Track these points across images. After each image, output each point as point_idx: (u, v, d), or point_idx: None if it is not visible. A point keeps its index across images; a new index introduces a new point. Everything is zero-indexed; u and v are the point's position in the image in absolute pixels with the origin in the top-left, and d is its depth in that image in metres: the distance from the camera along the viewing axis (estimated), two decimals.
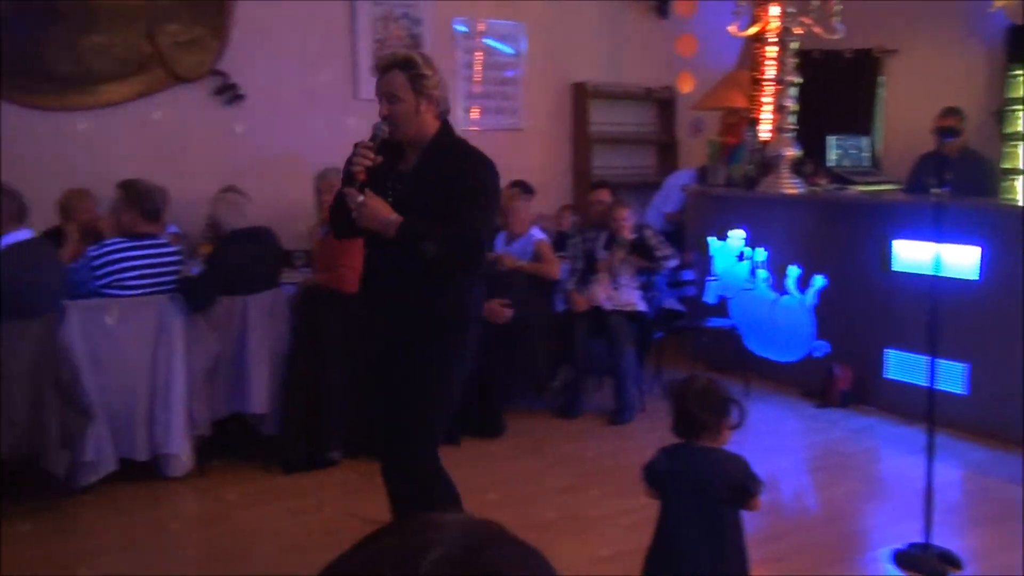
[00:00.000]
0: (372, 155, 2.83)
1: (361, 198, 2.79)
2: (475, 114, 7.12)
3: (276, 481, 4.39)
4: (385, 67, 2.88)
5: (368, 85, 6.69)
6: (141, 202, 4.30)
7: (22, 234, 3.86)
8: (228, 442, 4.67)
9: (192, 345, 4.28)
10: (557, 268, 5.49)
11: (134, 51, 5.77)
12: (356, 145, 2.87)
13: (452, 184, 2.86)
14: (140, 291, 4.20)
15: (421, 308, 2.90)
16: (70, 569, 3.54)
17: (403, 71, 2.85)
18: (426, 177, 2.91)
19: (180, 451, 4.29)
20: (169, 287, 4.27)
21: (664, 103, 7.90)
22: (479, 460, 4.69)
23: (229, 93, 6.09)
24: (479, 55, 7.12)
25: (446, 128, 2.97)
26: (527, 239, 5.55)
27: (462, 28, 7.03)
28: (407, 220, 2.80)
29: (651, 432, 4.72)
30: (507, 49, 7.23)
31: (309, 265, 5.14)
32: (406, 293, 2.91)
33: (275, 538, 3.78)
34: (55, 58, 5.55)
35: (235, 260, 4.40)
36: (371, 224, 2.82)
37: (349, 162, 2.86)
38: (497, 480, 4.42)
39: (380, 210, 2.80)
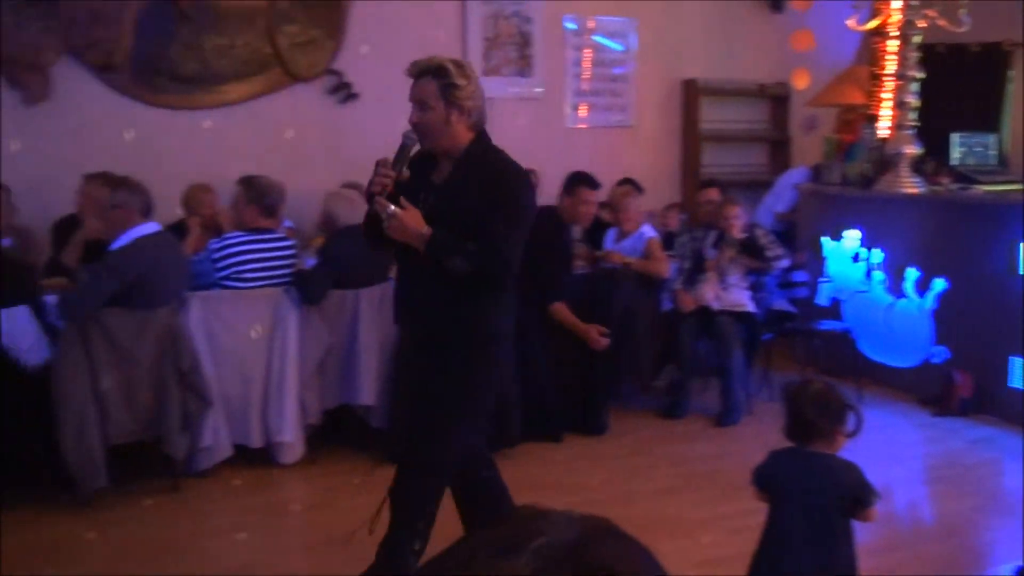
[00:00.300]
0: (393, 173, 2.77)
1: (392, 208, 2.73)
2: (583, 111, 7.11)
3: (383, 471, 4.47)
4: (419, 73, 2.80)
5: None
6: (260, 198, 4.46)
7: (149, 227, 4.05)
8: (338, 432, 4.81)
9: (305, 336, 4.41)
10: (666, 267, 5.43)
11: (255, 52, 5.99)
12: (377, 164, 2.81)
13: (482, 197, 2.77)
14: (257, 283, 4.35)
15: (445, 322, 2.84)
16: (188, 548, 3.70)
17: (435, 79, 2.76)
18: (457, 190, 2.82)
19: (292, 439, 4.43)
20: (284, 280, 4.41)
21: (777, 99, 7.72)
22: (581, 458, 4.69)
23: (343, 92, 6.25)
24: (588, 52, 7.10)
25: (480, 140, 2.87)
26: (638, 236, 5.50)
27: (572, 25, 7.03)
28: (436, 233, 2.73)
29: (758, 435, 4.63)
30: (617, 46, 7.19)
31: None
32: (431, 306, 2.86)
33: (382, 527, 3.86)
34: (181, 59, 5.81)
35: (347, 255, 4.51)
36: (402, 236, 2.76)
37: (371, 182, 2.81)
38: (599, 478, 4.41)
39: (411, 222, 2.73)
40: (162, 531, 3.82)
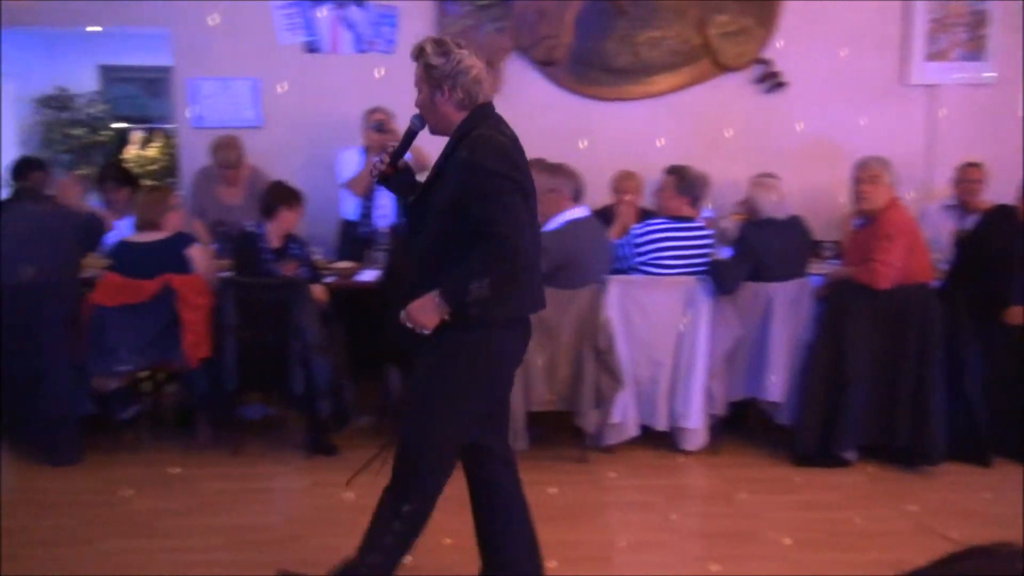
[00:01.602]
0: (388, 161, 2.74)
1: (403, 315, 2.64)
2: None
3: (784, 471, 4.36)
4: (413, 57, 2.71)
5: (921, 70, 6.28)
6: (687, 188, 4.54)
7: (579, 211, 4.30)
8: (741, 425, 4.77)
9: (716, 326, 4.42)
10: None
11: (684, 43, 6.12)
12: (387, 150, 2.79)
13: (454, 184, 2.56)
14: (674, 271, 4.44)
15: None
16: (589, 516, 3.91)
17: (420, 60, 2.67)
18: (435, 177, 2.68)
19: (696, 426, 4.48)
20: (700, 269, 4.46)
21: None
22: (1014, 488, 4.16)
23: (771, 81, 6.14)
24: None
25: (470, 119, 2.65)
26: None
27: None
28: (441, 291, 2.54)
29: None
30: None
31: (839, 257, 4.99)
32: (418, 287, 2.67)
33: (779, 528, 3.77)
34: (615, 52, 6.11)
35: (765, 247, 4.44)
36: (425, 325, 2.60)
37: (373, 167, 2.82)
38: None
39: (419, 312, 2.59)
40: (569, 497, 4.06)
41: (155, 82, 9.51)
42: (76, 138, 8.94)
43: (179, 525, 3.71)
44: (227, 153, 5.49)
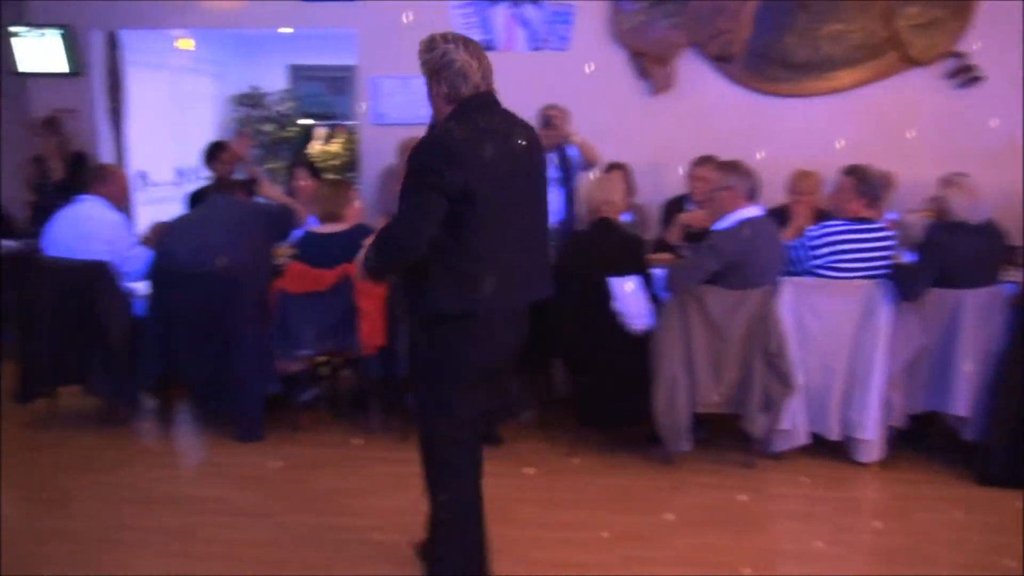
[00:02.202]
0: None
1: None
2: None
3: (968, 491, 4.11)
4: None
5: None
6: (866, 188, 4.35)
7: (752, 211, 4.19)
8: (923, 439, 4.53)
9: (897, 334, 4.21)
10: None
11: (869, 36, 5.87)
12: None
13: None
14: (853, 274, 4.26)
15: (407, 303, 2.90)
16: (759, 523, 3.82)
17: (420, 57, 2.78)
18: None
19: (872, 437, 4.28)
20: (881, 273, 4.26)
21: None
22: None
23: (965, 76, 5.79)
24: None
25: (454, 113, 2.72)
26: None
27: None
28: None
29: None
30: None
31: None
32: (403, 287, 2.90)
33: (956, 549, 3.56)
34: (795, 47, 5.93)
35: (953, 251, 4.19)
36: (362, 278, 2.90)
37: None
38: None
39: (357, 267, 2.88)
40: (733, 502, 3.98)
41: (339, 80, 9.97)
42: (266, 134, 9.51)
43: (351, 504, 3.89)
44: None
